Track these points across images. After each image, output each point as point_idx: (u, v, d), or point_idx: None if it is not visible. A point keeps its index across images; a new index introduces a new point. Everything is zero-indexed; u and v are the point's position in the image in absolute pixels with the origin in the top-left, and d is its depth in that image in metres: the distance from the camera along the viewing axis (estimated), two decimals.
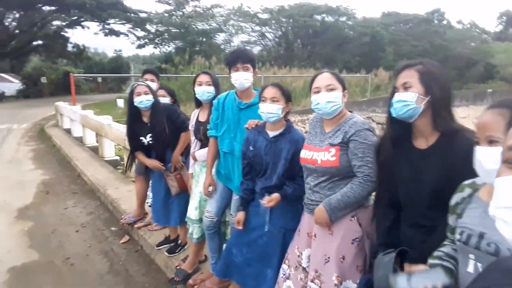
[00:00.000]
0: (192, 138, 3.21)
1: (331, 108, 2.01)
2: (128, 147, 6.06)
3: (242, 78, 2.62)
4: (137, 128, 3.44)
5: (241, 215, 2.51)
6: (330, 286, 1.96)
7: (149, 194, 4.06)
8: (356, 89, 21.53)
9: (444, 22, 35.46)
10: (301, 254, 2.19)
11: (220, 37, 29.94)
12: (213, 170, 2.93)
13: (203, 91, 3.04)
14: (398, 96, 1.68)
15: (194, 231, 3.10)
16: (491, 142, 1.19)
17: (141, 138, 3.43)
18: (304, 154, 2.14)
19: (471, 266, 1.29)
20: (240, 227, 2.49)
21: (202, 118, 3.11)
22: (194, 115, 3.21)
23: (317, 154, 2.04)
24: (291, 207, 2.42)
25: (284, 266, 2.26)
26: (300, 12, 29.66)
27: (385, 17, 34.70)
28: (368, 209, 2.04)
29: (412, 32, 32.06)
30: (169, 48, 28.98)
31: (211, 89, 3.04)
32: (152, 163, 3.47)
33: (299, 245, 2.22)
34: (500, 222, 0.73)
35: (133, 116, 3.43)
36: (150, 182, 3.89)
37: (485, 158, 1.19)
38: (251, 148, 2.47)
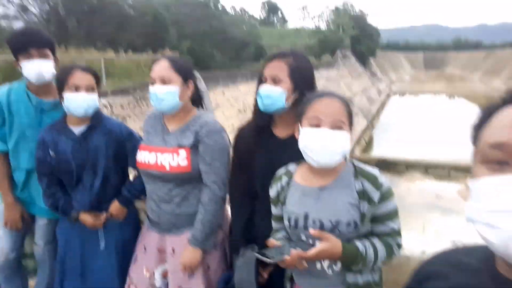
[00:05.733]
0: None
1: (164, 104, 1.68)
2: None
3: (39, 68, 1.89)
4: None
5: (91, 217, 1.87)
6: None
7: None
8: (145, 69, 21.11)
9: (220, 7, 38.46)
10: (153, 274, 1.80)
11: None
12: None
13: None
14: (266, 89, 1.58)
15: None
16: (337, 127, 1.30)
17: None
18: (144, 157, 1.73)
19: None
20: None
21: None
22: None
23: (164, 157, 1.69)
24: (130, 211, 1.99)
25: None
26: None
27: None
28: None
29: (193, 14, 33.37)
30: None
31: None
32: None
33: (148, 265, 1.82)
34: (483, 226, 0.65)
35: None
36: None
37: (335, 140, 1.28)
38: (51, 153, 1.83)
